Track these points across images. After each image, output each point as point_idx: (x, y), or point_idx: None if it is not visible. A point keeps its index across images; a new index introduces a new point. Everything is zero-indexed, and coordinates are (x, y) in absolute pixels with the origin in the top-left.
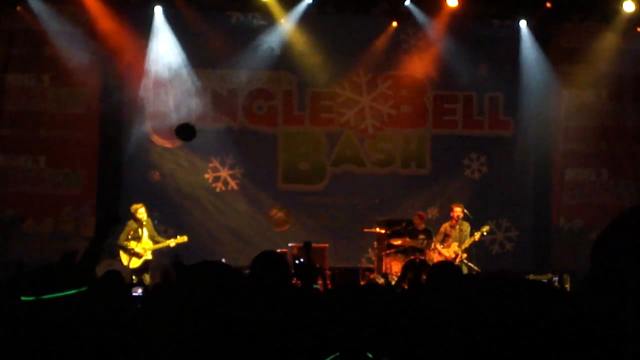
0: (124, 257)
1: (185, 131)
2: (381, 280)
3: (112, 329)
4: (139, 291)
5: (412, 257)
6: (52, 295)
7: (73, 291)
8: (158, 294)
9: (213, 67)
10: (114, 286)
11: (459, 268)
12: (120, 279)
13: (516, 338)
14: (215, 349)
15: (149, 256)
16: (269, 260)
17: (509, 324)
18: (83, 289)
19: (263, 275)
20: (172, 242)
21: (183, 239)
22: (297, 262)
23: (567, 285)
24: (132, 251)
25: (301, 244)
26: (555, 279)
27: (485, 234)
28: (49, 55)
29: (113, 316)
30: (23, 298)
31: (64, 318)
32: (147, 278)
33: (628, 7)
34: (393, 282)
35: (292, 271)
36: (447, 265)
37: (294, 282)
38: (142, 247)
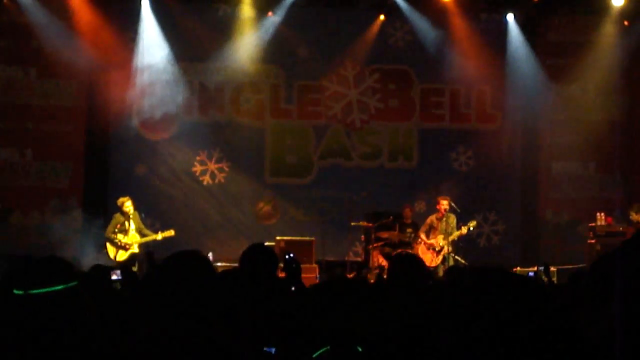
0: (110, 250)
1: (291, 265)
2: (372, 278)
3: (98, 324)
4: (117, 273)
5: (400, 250)
6: (40, 290)
7: (61, 287)
8: (140, 287)
9: (200, 60)
10: (100, 280)
11: (419, 259)
12: (107, 273)
13: (499, 332)
14: (198, 338)
15: (135, 249)
16: (258, 253)
17: (491, 318)
18: (72, 284)
19: (252, 268)
20: (159, 236)
21: (170, 232)
22: (287, 256)
23: (554, 279)
24: (119, 244)
25: (285, 241)
26: (541, 269)
27: (471, 229)
28: (35, 48)
29: (99, 311)
30: (15, 291)
31: (53, 313)
32: (134, 270)
33: (617, 0)
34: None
35: (281, 265)
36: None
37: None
38: (129, 240)
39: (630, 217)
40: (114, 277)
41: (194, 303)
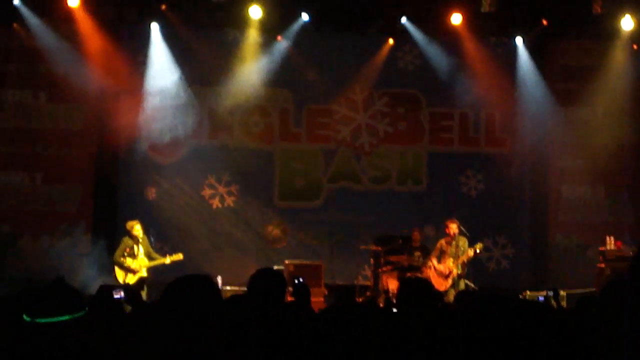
0: (119, 274)
1: (300, 289)
2: (381, 302)
3: (105, 350)
4: (121, 294)
5: (409, 274)
6: (46, 320)
7: (66, 317)
8: (146, 310)
9: (210, 84)
10: (106, 301)
11: (429, 284)
12: (112, 292)
13: (510, 357)
14: None
15: (144, 273)
16: (266, 278)
17: (501, 343)
18: (78, 314)
19: (260, 292)
20: (167, 260)
21: (178, 256)
22: (296, 281)
23: (563, 302)
24: (127, 268)
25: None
26: (551, 293)
27: (478, 251)
28: (45, 73)
29: (106, 336)
30: (24, 317)
31: (58, 341)
32: (143, 295)
33: (627, 24)
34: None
35: (290, 289)
36: (418, 281)
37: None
38: (137, 264)
39: None
40: (116, 296)
41: (199, 327)
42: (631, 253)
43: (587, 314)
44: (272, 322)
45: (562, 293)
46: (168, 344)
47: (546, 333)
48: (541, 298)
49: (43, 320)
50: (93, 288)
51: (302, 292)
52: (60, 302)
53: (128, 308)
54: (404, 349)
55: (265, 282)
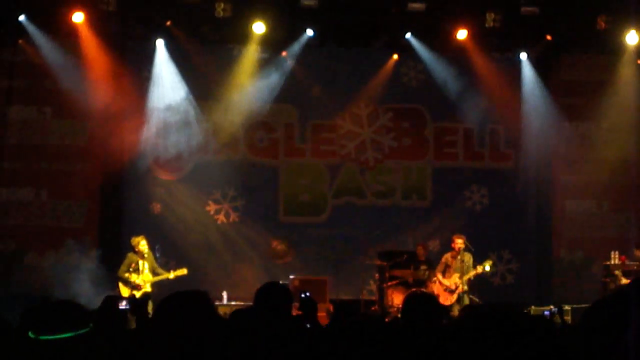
0: (123, 290)
1: (306, 303)
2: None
3: None
4: (124, 304)
5: (414, 289)
6: (51, 337)
7: (71, 334)
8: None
9: (214, 99)
10: (112, 312)
11: (434, 298)
12: (117, 303)
13: None
14: None
15: (148, 288)
16: (273, 291)
17: (505, 356)
18: (83, 331)
19: (267, 306)
20: (171, 275)
21: (183, 271)
22: (302, 295)
23: (568, 317)
24: (132, 284)
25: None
26: (555, 310)
27: (487, 268)
28: (50, 88)
29: (110, 350)
30: (29, 334)
31: (62, 357)
32: (149, 310)
33: (631, 39)
34: (392, 315)
35: (297, 304)
36: (424, 296)
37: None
38: (142, 279)
39: (636, 253)
40: (121, 306)
41: (191, 343)
42: (635, 267)
43: (589, 324)
44: (279, 335)
45: (567, 308)
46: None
47: (551, 347)
48: (547, 312)
49: (47, 338)
50: (99, 302)
51: (309, 306)
52: (65, 319)
53: (133, 320)
54: None
55: (272, 296)
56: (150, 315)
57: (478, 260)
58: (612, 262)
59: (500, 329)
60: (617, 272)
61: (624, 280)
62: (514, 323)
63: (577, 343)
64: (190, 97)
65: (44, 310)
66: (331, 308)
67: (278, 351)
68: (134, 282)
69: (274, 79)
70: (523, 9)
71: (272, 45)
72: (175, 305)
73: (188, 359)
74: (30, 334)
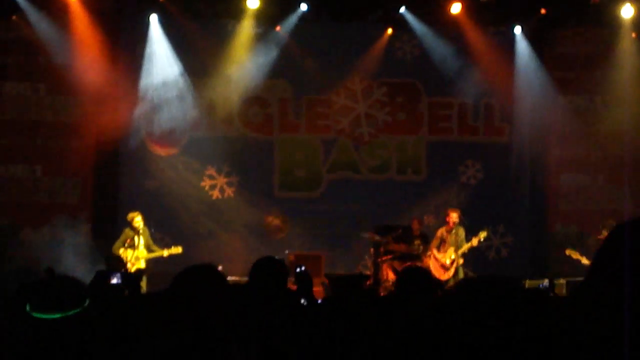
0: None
1: (302, 278)
2: (383, 292)
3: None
4: (116, 280)
5: (409, 263)
6: (47, 316)
7: (58, 315)
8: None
9: (208, 75)
10: (104, 287)
11: (428, 272)
12: (109, 278)
13: (510, 343)
14: (211, 352)
15: (142, 265)
16: (268, 266)
17: (501, 329)
18: (74, 311)
19: (262, 281)
20: (165, 252)
21: (177, 249)
22: (298, 270)
23: (563, 291)
24: (124, 260)
25: (296, 255)
26: (546, 284)
27: (482, 240)
28: (44, 65)
29: (107, 326)
30: (28, 311)
31: (59, 335)
32: (143, 286)
33: (626, 12)
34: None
35: (293, 278)
36: (418, 270)
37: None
38: (136, 255)
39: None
40: (113, 281)
41: (207, 317)
42: None
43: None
44: (274, 309)
45: (562, 281)
46: (178, 332)
47: (546, 319)
48: (542, 285)
49: (45, 316)
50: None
51: (305, 280)
52: (62, 297)
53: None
54: (404, 336)
55: (267, 270)
56: (142, 291)
57: (472, 235)
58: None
59: (494, 300)
60: None
61: None
62: (509, 294)
63: (570, 315)
64: (184, 72)
65: (41, 287)
66: (327, 282)
67: (274, 325)
68: (127, 259)
69: (268, 54)
70: None
71: (267, 20)
72: (195, 277)
73: (202, 330)
74: (28, 309)
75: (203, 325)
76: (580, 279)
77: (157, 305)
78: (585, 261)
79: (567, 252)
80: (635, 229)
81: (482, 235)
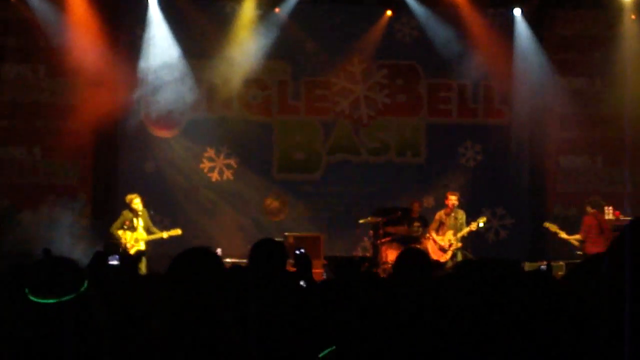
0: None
1: (301, 259)
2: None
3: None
4: (115, 261)
5: (408, 245)
6: (38, 299)
7: (55, 299)
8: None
9: (207, 56)
10: (102, 267)
11: (426, 254)
12: (107, 259)
13: (509, 324)
14: (211, 335)
15: (141, 247)
16: (267, 248)
17: (500, 310)
18: (69, 296)
19: (261, 262)
20: (165, 234)
21: (177, 231)
22: (297, 252)
23: (561, 273)
24: (122, 242)
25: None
26: (544, 267)
27: (481, 225)
28: (43, 46)
29: (106, 307)
30: (27, 294)
31: (59, 319)
32: (142, 268)
33: None
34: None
35: (291, 260)
36: (417, 252)
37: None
38: (135, 237)
39: (586, 209)
40: (112, 262)
41: (204, 299)
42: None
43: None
44: (273, 291)
45: (561, 263)
46: (175, 314)
47: (545, 300)
48: (542, 267)
49: (41, 300)
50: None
51: (304, 262)
52: (58, 280)
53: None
54: (404, 318)
55: (266, 252)
56: (141, 273)
57: (471, 218)
58: (606, 217)
59: (493, 282)
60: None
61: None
62: (507, 276)
63: (568, 297)
64: (183, 54)
65: (38, 269)
66: (326, 264)
67: (274, 306)
68: (125, 240)
69: (267, 36)
70: None
71: (266, 1)
72: (189, 260)
73: (200, 311)
74: (30, 296)
75: (200, 308)
76: (579, 261)
77: (155, 288)
78: (563, 235)
79: (546, 224)
80: None
81: (481, 220)
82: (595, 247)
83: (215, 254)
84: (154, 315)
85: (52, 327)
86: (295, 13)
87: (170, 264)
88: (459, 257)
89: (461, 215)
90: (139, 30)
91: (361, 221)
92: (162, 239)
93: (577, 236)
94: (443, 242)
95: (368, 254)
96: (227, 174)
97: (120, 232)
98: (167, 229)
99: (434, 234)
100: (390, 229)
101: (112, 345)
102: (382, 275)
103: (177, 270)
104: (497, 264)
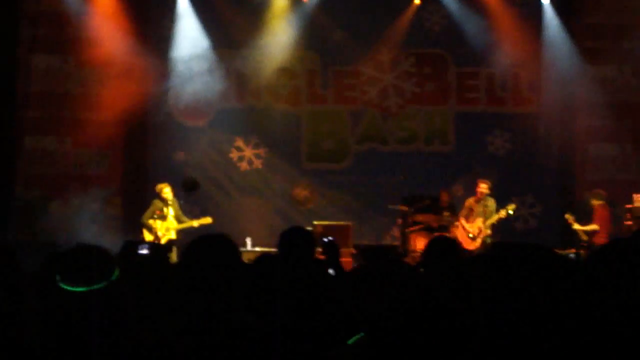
0: (147, 236)
1: (189, 184)
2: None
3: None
4: (145, 250)
5: (437, 234)
6: (69, 287)
7: (86, 287)
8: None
9: (236, 47)
10: (132, 257)
11: (456, 242)
12: (137, 248)
13: (539, 307)
14: (230, 322)
15: (172, 236)
16: (296, 236)
17: (534, 293)
18: (99, 284)
19: (290, 250)
20: (195, 223)
21: (207, 220)
22: (324, 239)
23: None
24: (155, 230)
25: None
26: (573, 256)
27: (511, 212)
28: (74, 37)
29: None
30: (58, 283)
31: (88, 308)
32: (173, 257)
33: None
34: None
35: (319, 249)
36: (446, 240)
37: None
38: (166, 226)
39: (592, 202)
40: (141, 251)
41: (217, 286)
42: None
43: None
44: (301, 279)
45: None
46: (188, 303)
47: (577, 286)
48: (572, 255)
49: (72, 288)
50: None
51: (332, 250)
52: (89, 268)
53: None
54: (434, 303)
55: (295, 240)
56: (172, 262)
57: (500, 206)
58: (635, 204)
59: (526, 264)
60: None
61: None
62: (541, 259)
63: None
64: (212, 45)
65: (70, 258)
66: (355, 252)
67: (302, 294)
68: (157, 229)
69: (295, 25)
70: None
71: None
72: (201, 248)
73: (214, 300)
74: (61, 284)
75: (213, 295)
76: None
77: (178, 276)
78: (577, 226)
79: (566, 216)
80: None
81: (511, 208)
82: (608, 238)
83: (230, 240)
84: (179, 304)
85: (81, 314)
86: (323, 3)
87: (183, 251)
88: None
89: (491, 202)
90: (168, 21)
91: (390, 206)
92: (192, 227)
93: (594, 226)
94: (472, 229)
95: (397, 243)
96: (257, 164)
97: (151, 222)
98: (197, 217)
99: (463, 221)
100: (419, 218)
101: (139, 334)
102: (411, 263)
103: (190, 256)
104: (530, 248)
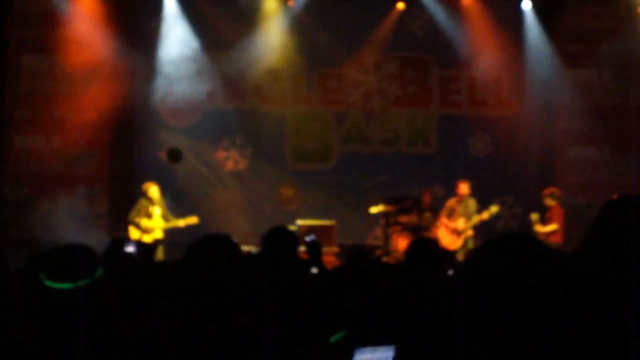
0: (133, 233)
1: (174, 154)
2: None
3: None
4: (131, 248)
5: (419, 234)
6: (53, 285)
7: (70, 285)
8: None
9: (222, 49)
10: (118, 254)
11: (437, 243)
12: (123, 246)
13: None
14: (221, 320)
15: (159, 234)
16: (279, 236)
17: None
18: (83, 282)
19: (273, 250)
20: (181, 222)
21: (193, 219)
22: (307, 239)
23: None
24: (142, 228)
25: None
26: None
27: (493, 214)
28: (61, 37)
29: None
30: (42, 280)
31: (73, 305)
32: (159, 256)
33: None
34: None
35: (303, 248)
36: (428, 241)
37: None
38: (152, 224)
39: (548, 202)
40: (128, 249)
41: (221, 286)
42: None
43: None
44: (284, 278)
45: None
46: (190, 301)
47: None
48: None
49: (56, 286)
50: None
51: (314, 249)
52: (73, 266)
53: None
54: (412, 302)
55: (278, 239)
56: (158, 261)
57: (481, 207)
58: None
59: (522, 255)
60: None
61: None
62: (522, 247)
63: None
64: (199, 46)
65: (54, 256)
66: (339, 251)
67: (286, 293)
68: (145, 227)
69: (280, 27)
70: None
71: None
72: (206, 247)
73: (217, 297)
74: (42, 277)
75: (215, 295)
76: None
77: (170, 274)
78: (538, 227)
79: (531, 215)
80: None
81: (493, 209)
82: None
83: (233, 241)
84: (169, 302)
85: (66, 312)
86: (308, 6)
87: (187, 250)
88: (470, 246)
89: (472, 203)
90: (154, 22)
91: (371, 210)
92: (178, 227)
93: (554, 226)
94: (456, 225)
95: (379, 243)
96: (242, 164)
97: (138, 220)
98: (183, 217)
99: (445, 220)
100: (401, 218)
101: (125, 331)
102: (393, 263)
103: (193, 256)
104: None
